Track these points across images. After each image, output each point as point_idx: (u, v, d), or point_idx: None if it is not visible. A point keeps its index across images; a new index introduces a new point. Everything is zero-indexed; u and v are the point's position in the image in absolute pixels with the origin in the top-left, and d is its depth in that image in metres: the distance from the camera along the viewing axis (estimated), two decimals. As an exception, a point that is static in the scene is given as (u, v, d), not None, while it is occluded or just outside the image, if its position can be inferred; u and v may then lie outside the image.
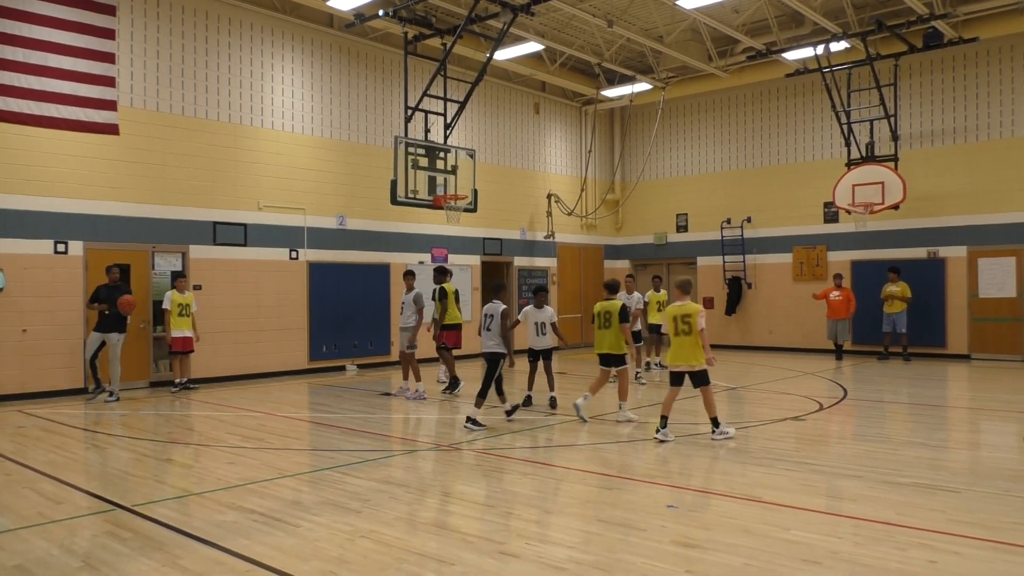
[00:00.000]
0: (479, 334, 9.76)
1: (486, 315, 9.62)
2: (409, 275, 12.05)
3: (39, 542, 5.06)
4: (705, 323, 8.19)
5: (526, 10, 13.06)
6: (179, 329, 12.29)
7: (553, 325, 10.47)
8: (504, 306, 9.62)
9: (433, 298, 12.08)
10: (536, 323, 10.42)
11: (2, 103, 10.21)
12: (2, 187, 11.31)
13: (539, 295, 10.44)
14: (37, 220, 11.64)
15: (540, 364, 10.75)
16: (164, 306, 12.33)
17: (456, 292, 12.22)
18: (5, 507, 5.93)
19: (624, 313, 9.45)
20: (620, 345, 9.41)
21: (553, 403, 10.55)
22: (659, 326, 13.91)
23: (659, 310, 13.93)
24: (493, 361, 9.35)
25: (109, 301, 11.45)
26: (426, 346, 14.45)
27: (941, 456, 7.56)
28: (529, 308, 10.51)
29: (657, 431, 8.19)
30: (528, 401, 10.67)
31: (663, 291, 14.29)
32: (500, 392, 9.50)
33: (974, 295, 16.37)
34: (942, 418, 9.97)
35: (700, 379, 8.23)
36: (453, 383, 12.02)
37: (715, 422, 8.22)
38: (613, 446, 8.14)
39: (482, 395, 9.29)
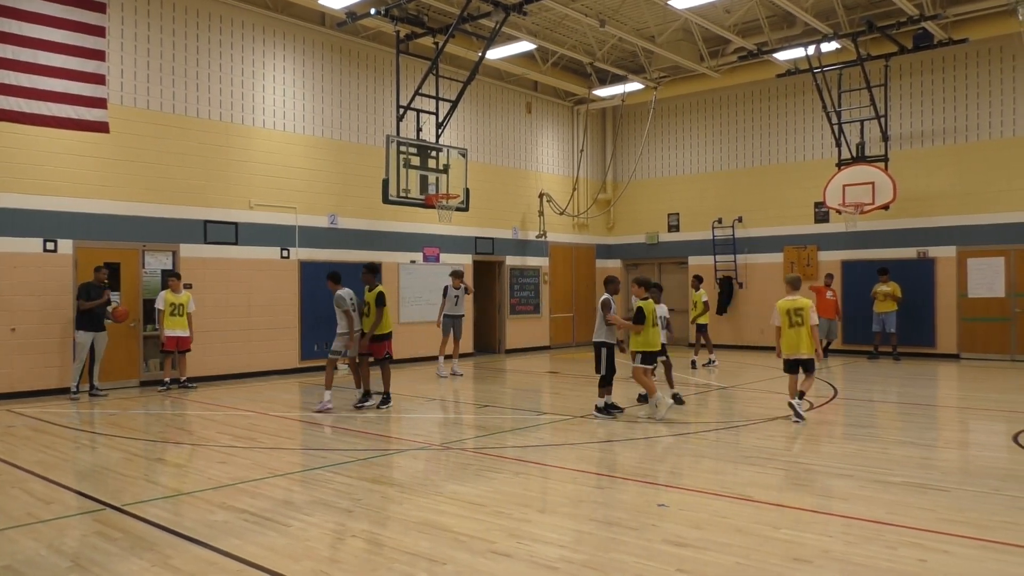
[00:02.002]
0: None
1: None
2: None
3: (28, 542, 5.03)
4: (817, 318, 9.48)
5: (518, 9, 13.05)
6: (172, 328, 12.27)
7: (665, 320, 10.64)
8: (604, 296, 9.83)
9: (379, 304, 10.37)
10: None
11: (-9, 100, 10.14)
12: (-9, 185, 11.25)
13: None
14: (26, 218, 11.57)
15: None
16: (157, 306, 12.33)
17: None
18: (-6, 507, 5.90)
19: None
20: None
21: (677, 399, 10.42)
22: (705, 325, 15.12)
23: (706, 310, 15.13)
24: (595, 350, 9.78)
25: (98, 301, 11.50)
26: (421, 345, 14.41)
27: (931, 455, 7.60)
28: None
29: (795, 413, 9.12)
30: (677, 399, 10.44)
31: (702, 290, 15.12)
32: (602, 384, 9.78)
33: (963, 295, 16.46)
34: (932, 417, 10.02)
35: (809, 366, 9.31)
36: (386, 398, 10.59)
37: (801, 394, 9.27)
38: (604, 445, 8.15)
39: (604, 383, 9.73)
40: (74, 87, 10.80)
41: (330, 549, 4.86)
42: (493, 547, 4.85)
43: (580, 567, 4.48)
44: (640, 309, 9.55)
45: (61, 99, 10.73)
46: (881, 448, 7.81)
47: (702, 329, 15.26)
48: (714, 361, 15.55)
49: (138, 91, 12.73)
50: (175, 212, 13.13)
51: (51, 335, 11.73)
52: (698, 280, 15.19)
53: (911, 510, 5.57)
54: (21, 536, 5.15)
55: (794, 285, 9.63)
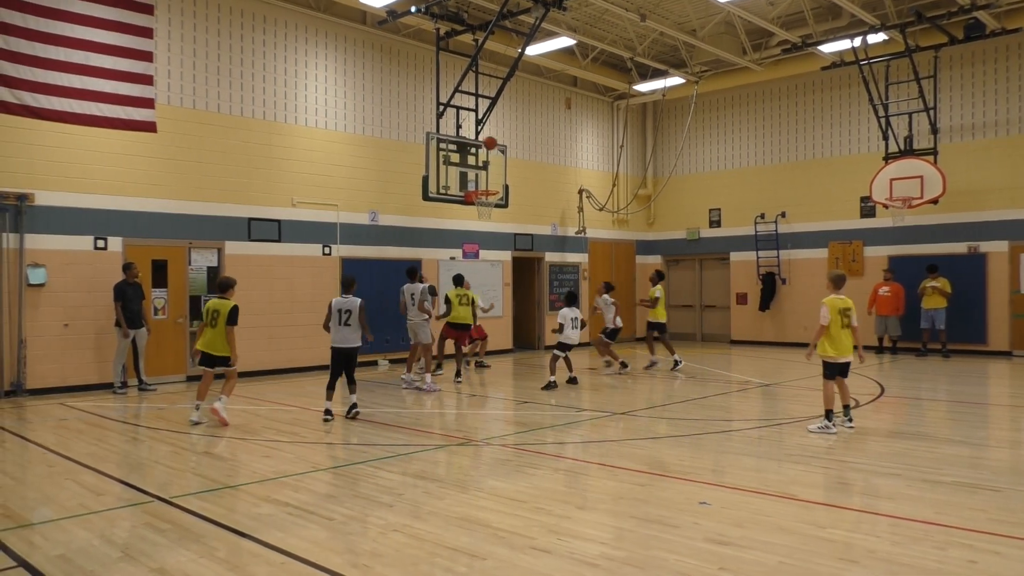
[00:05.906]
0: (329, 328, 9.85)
1: (342, 310, 9.65)
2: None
3: (81, 532, 5.17)
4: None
5: (558, 5, 13.02)
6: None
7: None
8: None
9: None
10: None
11: (45, 101, 10.43)
12: (44, 184, 11.56)
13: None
14: (78, 216, 11.87)
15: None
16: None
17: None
18: (48, 498, 6.08)
19: None
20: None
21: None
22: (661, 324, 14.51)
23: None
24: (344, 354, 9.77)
25: (135, 300, 11.73)
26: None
27: (982, 454, 7.42)
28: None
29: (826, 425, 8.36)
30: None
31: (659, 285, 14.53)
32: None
33: (1016, 291, 16.00)
34: (982, 416, 9.76)
35: (848, 370, 8.61)
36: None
37: (847, 407, 8.58)
38: (646, 442, 8.10)
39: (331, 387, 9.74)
40: (123, 88, 11.05)
41: (372, 543, 4.91)
42: (533, 543, 4.85)
43: (621, 564, 4.46)
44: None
45: (110, 99, 10.99)
46: (929, 447, 7.64)
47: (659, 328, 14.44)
48: (656, 363, 14.68)
49: (184, 91, 12.98)
50: (220, 210, 13.37)
51: (102, 331, 12.00)
52: (658, 276, 14.58)
53: (961, 510, 5.44)
54: (74, 526, 5.30)
55: (839, 283, 8.65)
